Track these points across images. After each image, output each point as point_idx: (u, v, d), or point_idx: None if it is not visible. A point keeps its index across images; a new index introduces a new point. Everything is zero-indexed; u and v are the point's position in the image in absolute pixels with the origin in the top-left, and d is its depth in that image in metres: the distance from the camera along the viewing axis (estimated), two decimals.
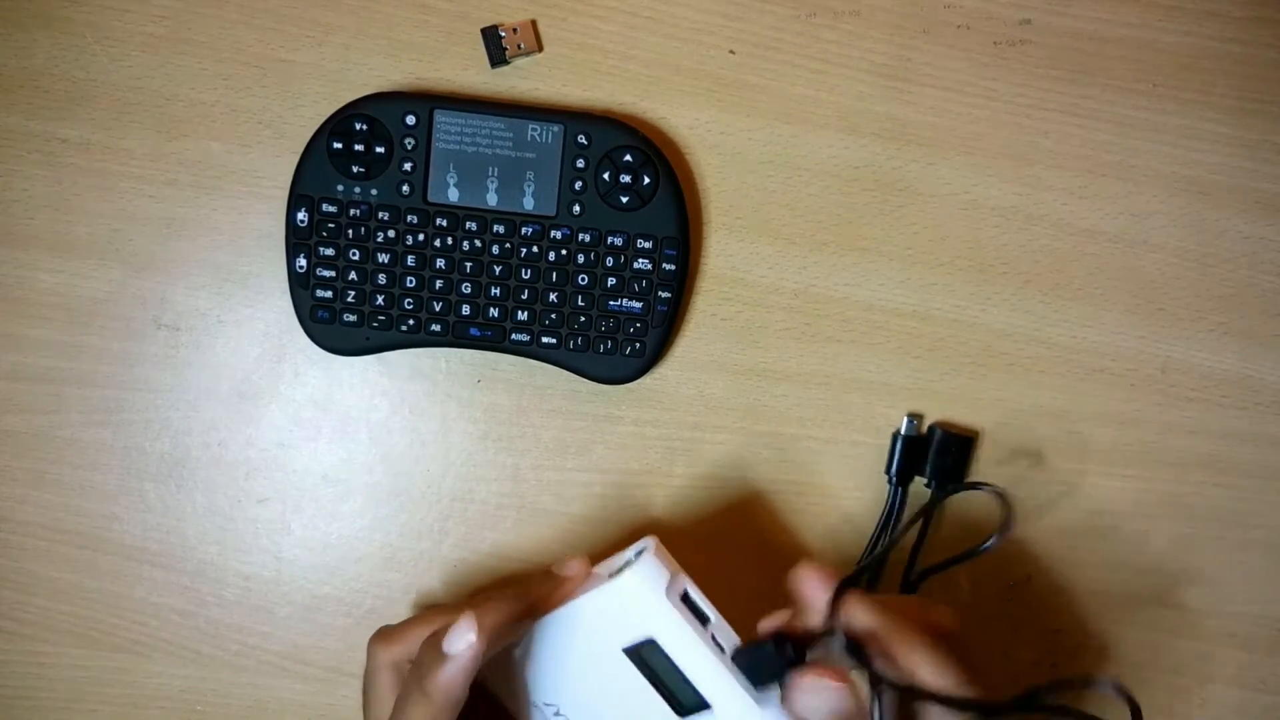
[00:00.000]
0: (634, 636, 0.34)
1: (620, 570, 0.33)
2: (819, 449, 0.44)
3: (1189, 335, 0.44)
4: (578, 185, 0.41)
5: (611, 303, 0.42)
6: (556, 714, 0.37)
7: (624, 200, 0.41)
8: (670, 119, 0.43)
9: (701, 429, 0.44)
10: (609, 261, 0.41)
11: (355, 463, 0.44)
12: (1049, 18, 0.43)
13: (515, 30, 0.42)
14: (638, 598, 0.33)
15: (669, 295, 0.42)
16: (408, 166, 0.41)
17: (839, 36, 0.43)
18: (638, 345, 0.42)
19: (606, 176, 0.41)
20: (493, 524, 0.44)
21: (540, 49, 0.42)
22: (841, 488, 0.44)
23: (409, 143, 0.41)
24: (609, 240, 0.41)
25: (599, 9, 0.42)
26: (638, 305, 0.42)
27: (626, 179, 0.41)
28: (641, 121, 0.43)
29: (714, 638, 0.33)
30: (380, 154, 0.41)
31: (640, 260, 0.41)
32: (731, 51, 0.43)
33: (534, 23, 0.42)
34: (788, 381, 0.44)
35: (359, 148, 0.40)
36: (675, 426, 0.44)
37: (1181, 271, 0.44)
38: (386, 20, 0.42)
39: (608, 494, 0.44)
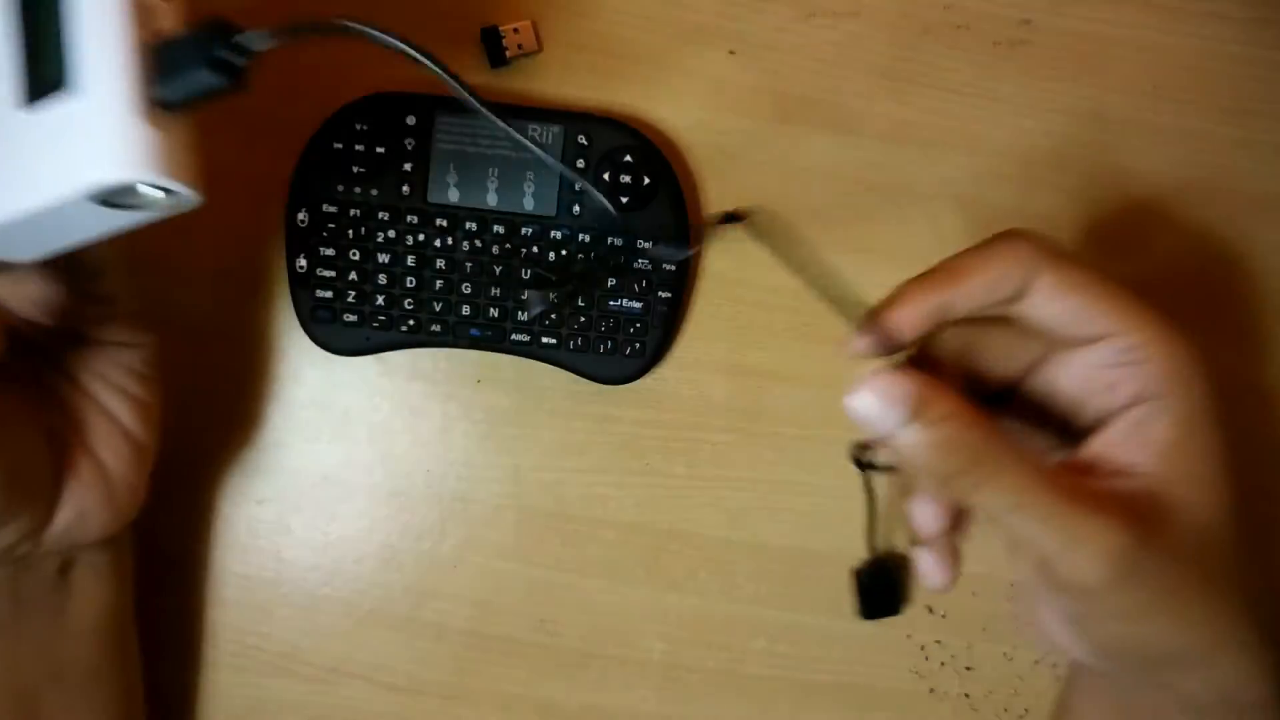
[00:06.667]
0: None
1: None
2: (819, 449, 0.44)
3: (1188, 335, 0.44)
4: (578, 186, 0.41)
5: (611, 303, 0.42)
6: None
7: (624, 200, 0.41)
8: (670, 119, 0.43)
9: (701, 429, 0.44)
10: (609, 262, 0.41)
11: (355, 463, 0.44)
12: (1049, 18, 0.43)
13: (515, 30, 0.42)
14: None
15: (669, 295, 0.42)
16: (408, 167, 0.41)
17: (839, 36, 0.43)
18: (638, 345, 0.42)
19: (606, 177, 0.41)
20: (493, 524, 0.44)
21: (540, 49, 0.42)
22: (842, 488, 0.44)
23: (409, 143, 0.41)
24: (609, 240, 0.41)
25: (599, 9, 0.42)
26: (638, 305, 0.42)
27: (626, 179, 0.41)
28: (641, 122, 0.43)
29: None
30: (380, 154, 0.41)
31: (640, 260, 0.41)
32: (731, 52, 0.43)
33: (534, 23, 0.42)
34: (788, 382, 0.44)
35: (359, 148, 0.40)
36: (675, 427, 0.44)
37: (1181, 274, 0.44)
38: (386, 20, 0.42)
39: (608, 494, 0.44)
